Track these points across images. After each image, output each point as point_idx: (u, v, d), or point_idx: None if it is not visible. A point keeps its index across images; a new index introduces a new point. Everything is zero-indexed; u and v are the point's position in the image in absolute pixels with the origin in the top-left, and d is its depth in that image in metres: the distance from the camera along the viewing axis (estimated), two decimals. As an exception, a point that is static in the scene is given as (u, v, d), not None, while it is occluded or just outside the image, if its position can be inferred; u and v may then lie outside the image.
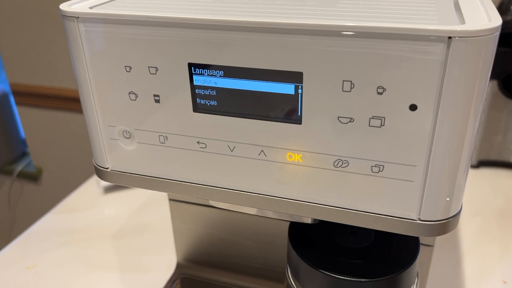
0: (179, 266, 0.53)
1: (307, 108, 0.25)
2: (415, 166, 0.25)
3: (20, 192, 1.49)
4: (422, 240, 0.38)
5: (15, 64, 1.23)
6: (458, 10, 0.25)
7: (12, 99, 1.43)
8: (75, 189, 0.75)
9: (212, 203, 0.36)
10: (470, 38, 0.21)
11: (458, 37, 0.21)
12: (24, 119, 1.32)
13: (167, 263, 0.55)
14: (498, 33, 0.22)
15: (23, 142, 1.52)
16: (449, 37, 0.21)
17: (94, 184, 0.75)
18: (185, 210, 0.48)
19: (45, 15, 1.10)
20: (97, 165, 0.33)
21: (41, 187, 1.43)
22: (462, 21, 0.23)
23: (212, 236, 0.49)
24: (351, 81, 0.24)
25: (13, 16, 1.14)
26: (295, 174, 0.28)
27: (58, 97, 1.21)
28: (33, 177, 1.42)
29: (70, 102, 1.20)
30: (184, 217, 0.49)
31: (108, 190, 0.73)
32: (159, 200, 0.69)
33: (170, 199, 0.49)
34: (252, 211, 0.38)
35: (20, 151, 1.55)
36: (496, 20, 0.22)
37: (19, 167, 1.45)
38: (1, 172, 1.49)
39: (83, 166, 1.25)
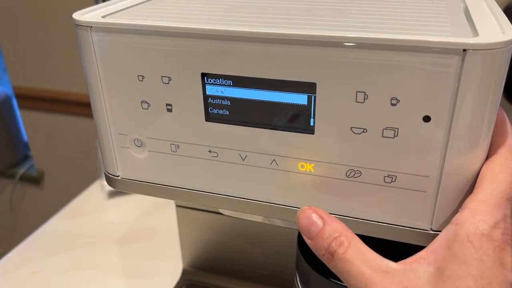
0: (185, 272, 0.53)
1: (320, 118, 0.25)
2: (428, 176, 0.25)
3: (22, 195, 1.49)
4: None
5: (18, 67, 1.23)
6: (470, 22, 0.25)
7: (15, 102, 1.43)
8: (77, 192, 0.75)
9: (221, 210, 0.36)
10: (485, 51, 0.21)
11: (473, 49, 0.21)
12: (27, 122, 1.33)
13: (173, 269, 0.55)
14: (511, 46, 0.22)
15: (26, 145, 1.52)
16: (464, 50, 0.21)
17: (98, 189, 0.75)
18: (192, 217, 0.48)
19: (48, 18, 1.10)
20: (108, 173, 0.33)
21: (43, 191, 1.43)
22: (475, 33, 0.23)
23: (219, 242, 0.49)
24: (364, 92, 0.24)
25: (17, 20, 1.15)
26: (307, 183, 0.28)
27: (60, 100, 1.21)
28: (35, 180, 1.42)
29: (73, 105, 1.20)
30: (191, 223, 0.49)
31: (112, 195, 0.73)
32: (164, 205, 0.69)
33: (177, 206, 0.49)
34: (259, 218, 0.38)
35: (22, 154, 1.55)
36: (510, 33, 0.22)
37: (21, 170, 1.45)
38: (3, 175, 1.49)
39: (85, 169, 1.25)
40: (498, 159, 0.24)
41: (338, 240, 0.24)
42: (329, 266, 0.24)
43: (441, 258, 0.22)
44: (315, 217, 0.25)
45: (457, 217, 0.23)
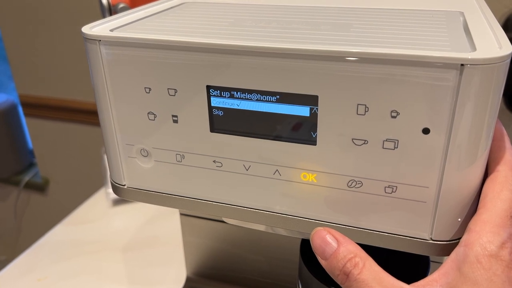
0: (188, 280, 0.53)
1: (322, 130, 0.26)
2: (428, 187, 0.26)
3: (27, 203, 1.49)
4: (433, 257, 0.39)
5: (24, 75, 1.24)
6: (469, 36, 0.26)
7: (20, 110, 1.44)
8: (82, 200, 0.76)
9: (224, 219, 0.36)
10: (482, 65, 0.22)
11: (470, 64, 0.22)
12: (32, 130, 1.34)
13: (176, 277, 0.56)
14: (509, 60, 0.23)
15: (31, 153, 1.53)
16: (462, 64, 0.22)
17: (103, 196, 0.76)
18: (196, 225, 0.49)
19: (54, 27, 1.12)
20: (114, 182, 0.33)
21: (48, 198, 1.44)
22: (473, 48, 0.24)
23: (222, 250, 0.49)
24: (365, 105, 0.25)
25: (23, 28, 1.16)
26: (309, 193, 0.28)
27: (66, 108, 1.22)
28: (40, 187, 1.43)
29: (78, 113, 1.21)
30: (195, 232, 0.49)
31: (117, 202, 0.73)
32: (168, 213, 0.69)
33: (181, 214, 0.49)
34: (262, 227, 0.39)
35: (27, 161, 1.56)
36: (507, 48, 0.23)
37: (26, 178, 1.46)
38: (8, 182, 1.50)
39: (90, 177, 1.26)
40: (499, 176, 0.25)
41: (353, 261, 0.24)
42: (343, 286, 0.24)
43: (453, 280, 0.22)
44: (329, 238, 0.25)
45: (464, 238, 0.23)
